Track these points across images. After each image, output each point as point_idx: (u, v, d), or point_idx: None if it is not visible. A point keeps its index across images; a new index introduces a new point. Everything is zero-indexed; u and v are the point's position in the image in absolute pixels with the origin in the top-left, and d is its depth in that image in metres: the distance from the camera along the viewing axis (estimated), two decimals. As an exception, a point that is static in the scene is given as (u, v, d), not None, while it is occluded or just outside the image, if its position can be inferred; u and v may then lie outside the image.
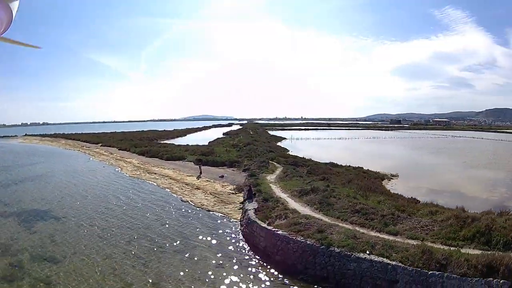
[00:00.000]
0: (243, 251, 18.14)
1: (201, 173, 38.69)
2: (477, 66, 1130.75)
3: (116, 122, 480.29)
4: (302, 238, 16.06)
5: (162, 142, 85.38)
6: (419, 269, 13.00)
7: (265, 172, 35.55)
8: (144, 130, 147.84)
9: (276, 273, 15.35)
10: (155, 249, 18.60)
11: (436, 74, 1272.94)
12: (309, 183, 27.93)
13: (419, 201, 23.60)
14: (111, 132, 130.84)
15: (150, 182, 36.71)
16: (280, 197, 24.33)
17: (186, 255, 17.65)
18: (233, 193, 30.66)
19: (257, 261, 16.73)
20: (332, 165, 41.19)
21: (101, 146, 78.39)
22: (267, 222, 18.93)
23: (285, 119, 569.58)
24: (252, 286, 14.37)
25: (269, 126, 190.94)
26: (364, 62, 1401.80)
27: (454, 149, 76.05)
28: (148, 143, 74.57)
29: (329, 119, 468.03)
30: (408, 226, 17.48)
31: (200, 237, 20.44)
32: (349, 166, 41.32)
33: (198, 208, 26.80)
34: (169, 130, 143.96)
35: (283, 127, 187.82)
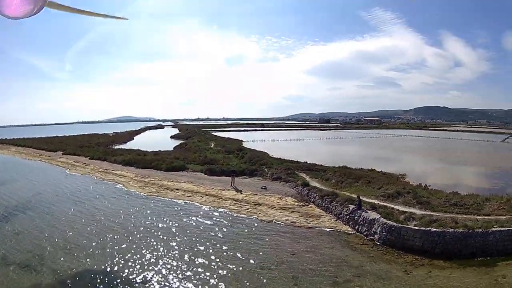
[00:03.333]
0: (400, 255, 19.94)
1: (233, 185, 36.49)
2: (405, 66, 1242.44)
3: (45, 124, 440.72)
4: (452, 229, 20.21)
5: (120, 147, 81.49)
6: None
7: (299, 180, 36.42)
8: (86, 134, 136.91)
9: (441, 262, 18.72)
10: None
11: (361, 74, 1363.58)
12: (381, 188, 30.56)
13: (460, 193, 28.74)
14: (54, 137, 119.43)
15: (187, 201, 32.18)
16: (380, 204, 26.09)
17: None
18: (302, 205, 29.92)
19: (420, 258, 19.31)
20: (346, 168, 41.81)
21: (63, 154, 68.25)
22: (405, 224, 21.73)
23: (208, 119, 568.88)
24: (437, 276, 17.19)
25: (204, 127, 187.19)
26: (285, 62, 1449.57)
27: (418, 147, 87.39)
28: (112, 150, 70.06)
29: (251, 119, 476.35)
30: (490, 209, 24.12)
31: (348, 256, 19.87)
32: (362, 168, 42.57)
33: (294, 227, 25.04)
34: (112, 134, 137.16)
35: (217, 128, 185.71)
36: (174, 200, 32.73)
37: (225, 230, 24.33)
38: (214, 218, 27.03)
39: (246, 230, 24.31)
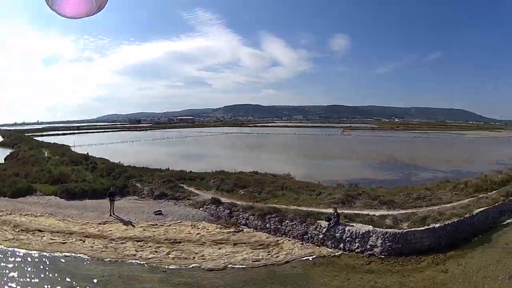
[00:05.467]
0: (417, 260, 18.64)
1: (114, 213, 25.86)
2: (218, 66, 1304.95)
3: None
4: (448, 221, 20.89)
5: None
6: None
7: (193, 195, 29.44)
8: None
9: (452, 252, 19.03)
10: None
11: (172, 74, 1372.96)
12: (322, 194, 27.03)
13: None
14: None
15: (67, 254, 19.01)
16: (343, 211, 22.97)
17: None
18: (235, 231, 22.65)
19: (435, 256, 18.76)
20: (224, 172, 35.80)
21: None
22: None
23: (24, 124, 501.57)
24: (467, 263, 17.78)
25: (26, 132, 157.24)
26: (100, 62, 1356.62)
27: (263, 144, 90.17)
28: None
29: (64, 122, 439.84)
30: (446, 198, 26.08)
31: (378, 283, 16.29)
32: (241, 171, 36.86)
33: (266, 267, 17.84)
34: None
35: (36, 132, 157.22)
36: (45, 253, 19.14)
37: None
38: (135, 284, 16.12)
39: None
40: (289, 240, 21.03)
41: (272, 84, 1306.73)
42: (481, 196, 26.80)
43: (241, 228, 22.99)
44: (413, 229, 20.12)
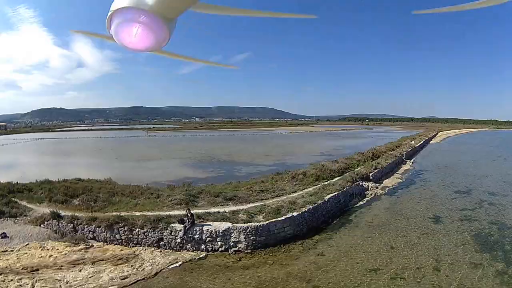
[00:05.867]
0: (286, 249, 19.94)
1: None
2: (29, 67, 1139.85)
3: None
4: (305, 209, 23.26)
5: None
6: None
7: (28, 210, 26.21)
8: None
9: (318, 236, 21.61)
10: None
11: None
12: (161, 197, 26.81)
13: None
14: None
15: None
16: (196, 213, 22.89)
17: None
18: (87, 248, 20.85)
19: (303, 242, 20.70)
20: (50, 182, 32.59)
21: None
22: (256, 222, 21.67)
23: None
24: (338, 243, 20.72)
25: None
26: None
27: (72, 149, 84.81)
28: None
29: None
30: (289, 188, 29.37)
31: (261, 277, 16.89)
32: (65, 179, 33.94)
33: (137, 285, 16.87)
34: None
35: None
36: None
37: None
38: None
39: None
40: (145, 250, 20.43)
41: (76, 86, 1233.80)
42: (326, 183, 30.59)
43: (90, 243, 21.38)
44: (273, 220, 21.11)
